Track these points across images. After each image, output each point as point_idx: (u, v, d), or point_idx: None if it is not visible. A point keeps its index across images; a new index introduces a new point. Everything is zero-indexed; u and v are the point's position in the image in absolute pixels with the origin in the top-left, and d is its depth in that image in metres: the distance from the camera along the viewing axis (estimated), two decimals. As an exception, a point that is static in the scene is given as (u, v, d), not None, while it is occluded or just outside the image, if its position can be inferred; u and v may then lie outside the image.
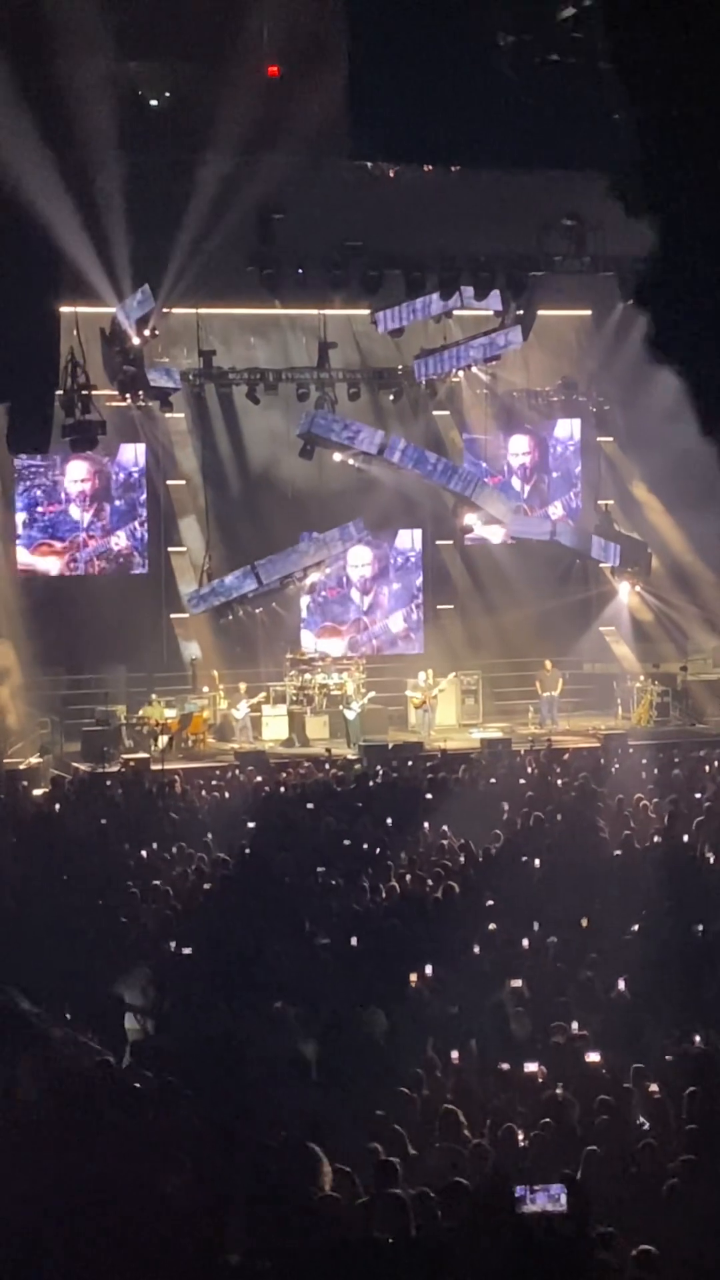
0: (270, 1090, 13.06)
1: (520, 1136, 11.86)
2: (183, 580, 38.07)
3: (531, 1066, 13.41)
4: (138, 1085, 12.97)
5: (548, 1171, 8.88)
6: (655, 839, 22.09)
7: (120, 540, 38.64)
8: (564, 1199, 8.43)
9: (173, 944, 17.14)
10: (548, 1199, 8.37)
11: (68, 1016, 15.37)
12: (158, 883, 19.85)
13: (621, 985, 15.87)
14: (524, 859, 20.94)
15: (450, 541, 40.24)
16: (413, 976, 16.01)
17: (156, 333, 34.60)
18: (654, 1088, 12.99)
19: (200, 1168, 10.53)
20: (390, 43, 25.48)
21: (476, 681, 37.85)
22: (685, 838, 22.26)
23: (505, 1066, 13.64)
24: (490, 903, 18.54)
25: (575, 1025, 14.69)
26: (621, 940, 17.40)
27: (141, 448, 38.26)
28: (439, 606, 40.32)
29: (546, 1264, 7.77)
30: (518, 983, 15.79)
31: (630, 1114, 12.54)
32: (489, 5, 23.11)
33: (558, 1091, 12.78)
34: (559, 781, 27.12)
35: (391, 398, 39.02)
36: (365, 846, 22.15)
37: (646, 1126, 12.20)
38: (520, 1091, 13.14)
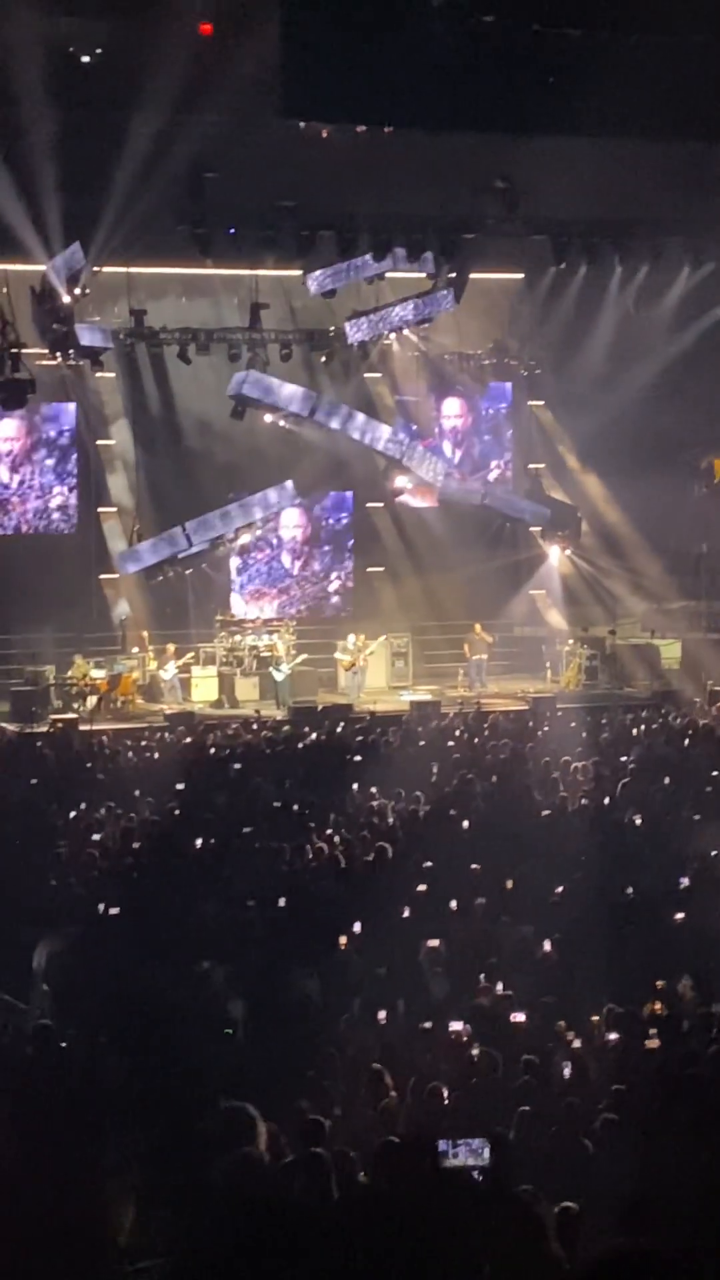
0: (197, 1050, 13.08)
1: (445, 1095, 11.95)
2: (112, 540, 37.92)
3: (456, 1025, 13.49)
4: (64, 1045, 12.97)
5: (471, 1129, 8.92)
6: (583, 801, 22.23)
7: (49, 500, 38.43)
8: (486, 1153, 8.49)
9: (100, 905, 17.12)
10: (469, 1153, 8.43)
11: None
12: (85, 844, 19.84)
13: (548, 946, 15.98)
14: (452, 820, 21.04)
15: (381, 504, 40.23)
16: (342, 939, 16.08)
17: (87, 291, 34.31)
18: (577, 1044, 13.11)
19: (127, 1128, 10.56)
20: (324, 2, 25.37)
21: (406, 644, 37.93)
22: (608, 800, 22.41)
23: (428, 1025, 13.72)
24: (424, 864, 18.62)
25: (500, 986, 14.79)
26: (548, 901, 17.51)
27: (72, 407, 38.06)
28: (369, 569, 40.34)
29: (466, 1218, 7.82)
30: (435, 943, 15.87)
31: (555, 1073, 12.65)
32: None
33: (473, 1052, 12.86)
34: (488, 744, 27.24)
35: (323, 359, 38.90)
36: (294, 808, 22.19)
37: (570, 1084, 12.32)
38: (445, 1051, 13.23)
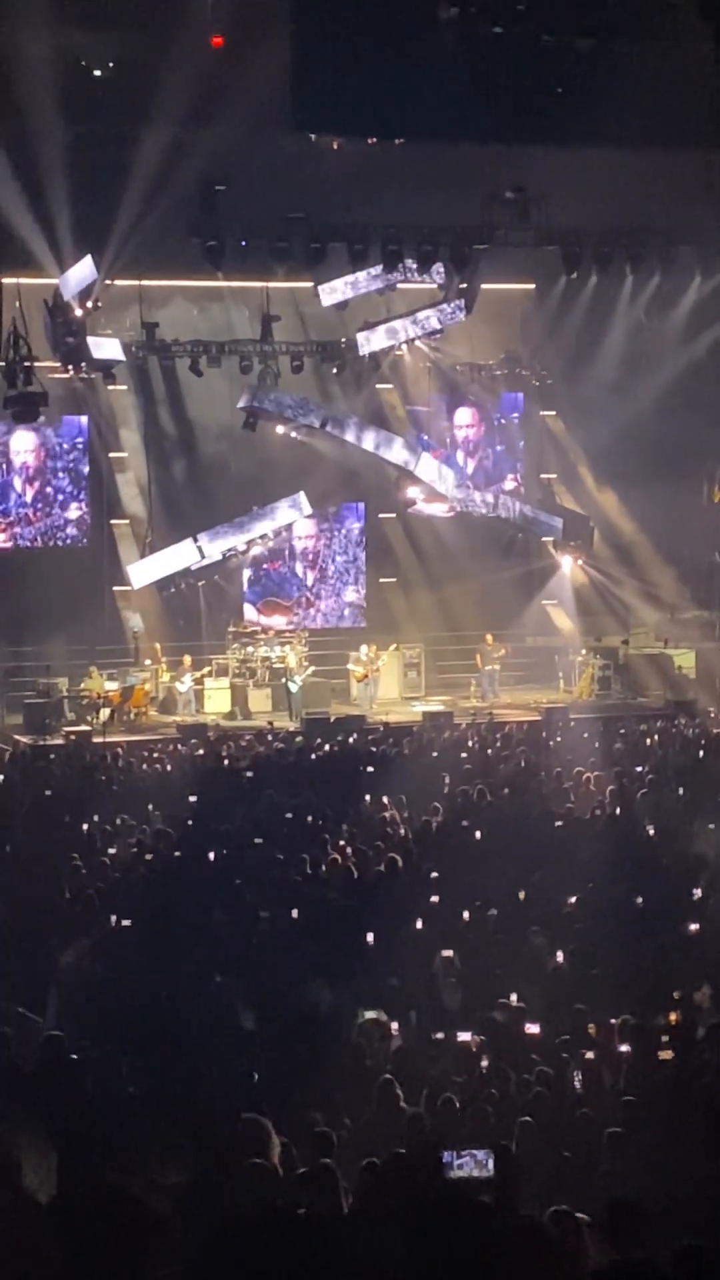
0: (211, 1061, 13.08)
1: (457, 1106, 11.93)
2: (125, 552, 37.95)
3: (465, 1036, 13.47)
4: (75, 1056, 12.97)
5: (481, 1141, 8.92)
6: (597, 812, 22.21)
7: (63, 513, 38.50)
8: (491, 1164, 8.48)
9: (114, 916, 17.12)
10: (474, 1164, 8.42)
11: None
12: (100, 855, 19.86)
13: (560, 957, 15.96)
14: (465, 831, 21.03)
15: (393, 515, 40.25)
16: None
17: (99, 304, 34.41)
18: (590, 1056, 13.09)
19: (144, 1140, 10.56)
20: (334, 15, 25.43)
21: (418, 654, 37.94)
22: (621, 810, 22.39)
23: (440, 1036, 13.71)
24: (433, 875, 18.62)
25: (514, 997, 14.76)
26: (562, 912, 17.49)
27: (84, 419, 38.13)
28: (381, 580, 40.35)
29: (470, 1230, 7.82)
30: (449, 953, 15.86)
31: (568, 1085, 12.62)
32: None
33: (483, 1064, 12.84)
34: (501, 755, 27.22)
35: (335, 370, 38.92)
36: (307, 819, 22.18)
37: (583, 1096, 12.29)
38: (457, 1062, 13.21)
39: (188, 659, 35.55)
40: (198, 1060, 12.85)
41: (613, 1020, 14.04)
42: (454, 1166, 8.45)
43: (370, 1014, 14.35)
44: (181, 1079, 12.35)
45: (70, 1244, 8.10)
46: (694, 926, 16.89)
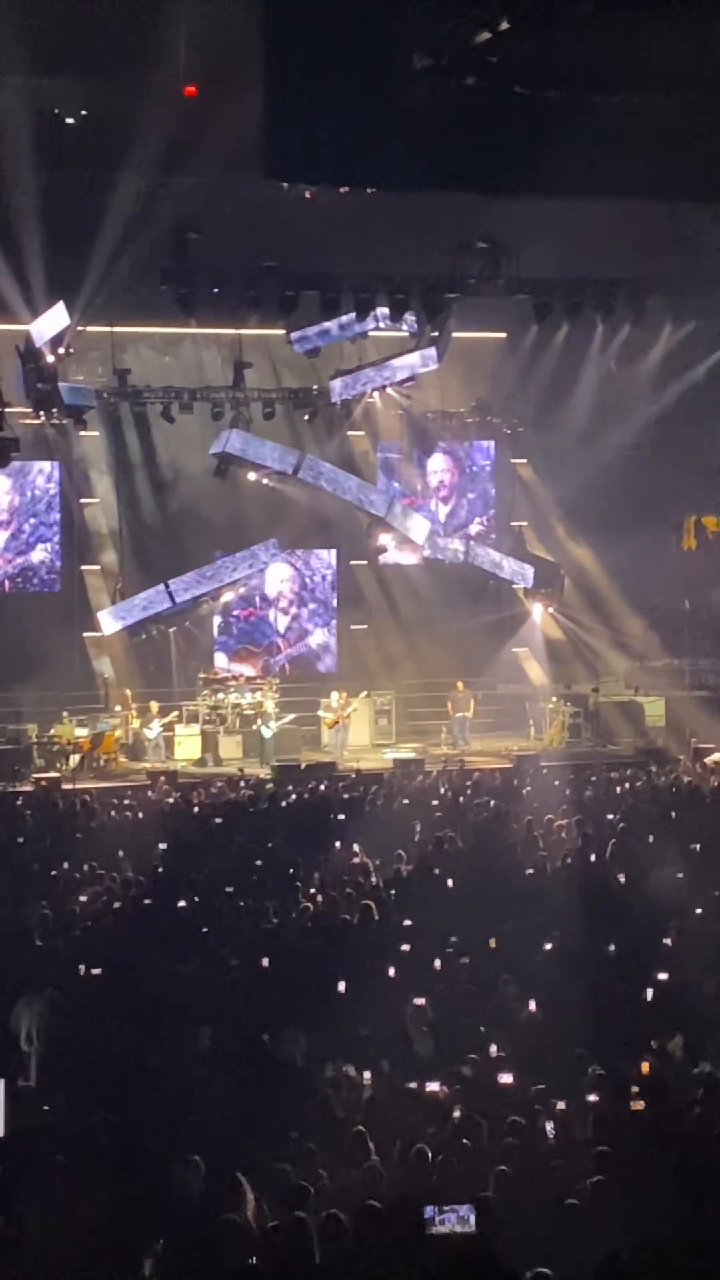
0: (181, 1113, 12.97)
1: (430, 1157, 11.84)
2: (96, 599, 37.92)
3: (433, 1086, 13.39)
4: (46, 1107, 12.86)
5: (456, 1193, 8.84)
6: (567, 860, 22.16)
7: (33, 558, 38.46)
8: (473, 1220, 8.42)
9: (81, 965, 17.00)
10: (456, 1220, 8.36)
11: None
12: (69, 903, 19.74)
13: (533, 1006, 15.88)
14: (436, 879, 20.96)
15: (365, 562, 40.31)
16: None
17: (71, 350, 34.44)
18: (561, 1105, 13.01)
19: (114, 1194, 10.46)
20: (307, 64, 25.50)
21: (390, 702, 37.93)
22: (595, 858, 22.35)
23: (413, 1086, 13.63)
24: (405, 923, 18.54)
25: (494, 1048, 14.66)
26: (533, 960, 17.42)
27: (55, 465, 38.13)
28: (353, 626, 40.36)
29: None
30: (421, 1001, 15.79)
31: (541, 1135, 12.54)
32: (405, 29, 23.15)
33: (454, 1115, 12.76)
34: (472, 802, 27.17)
35: (307, 417, 39.02)
36: (278, 867, 22.10)
37: (555, 1147, 12.21)
38: (430, 1112, 13.12)
39: (155, 705, 35.43)
40: (166, 1110, 12.75)
41: (585, 1070, 13.98)
42: (436, 1222, 8.37)
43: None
44: (149, 1130, 12.26)
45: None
46: (662, 976, 16.83)
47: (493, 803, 26.70)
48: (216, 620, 39.19)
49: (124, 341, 37.40)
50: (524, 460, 41.83)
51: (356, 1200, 10.26)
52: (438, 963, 17.27)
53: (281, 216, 33.22)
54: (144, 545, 38.29)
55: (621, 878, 21.33)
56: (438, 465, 41.81)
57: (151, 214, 31.08)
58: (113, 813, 26.95)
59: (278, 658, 39.80)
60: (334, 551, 40.47)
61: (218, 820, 25.59)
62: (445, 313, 35.74)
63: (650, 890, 20.62)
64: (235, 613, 39.56)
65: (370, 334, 37.65)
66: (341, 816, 25.81)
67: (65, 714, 34.53)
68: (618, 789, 28.99)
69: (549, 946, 17.76)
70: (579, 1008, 15.52)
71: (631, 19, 23.15)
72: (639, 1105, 13.12)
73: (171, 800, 28.27)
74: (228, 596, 38.50)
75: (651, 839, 23.83)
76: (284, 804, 27.56)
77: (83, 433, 36.92)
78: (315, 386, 38.71)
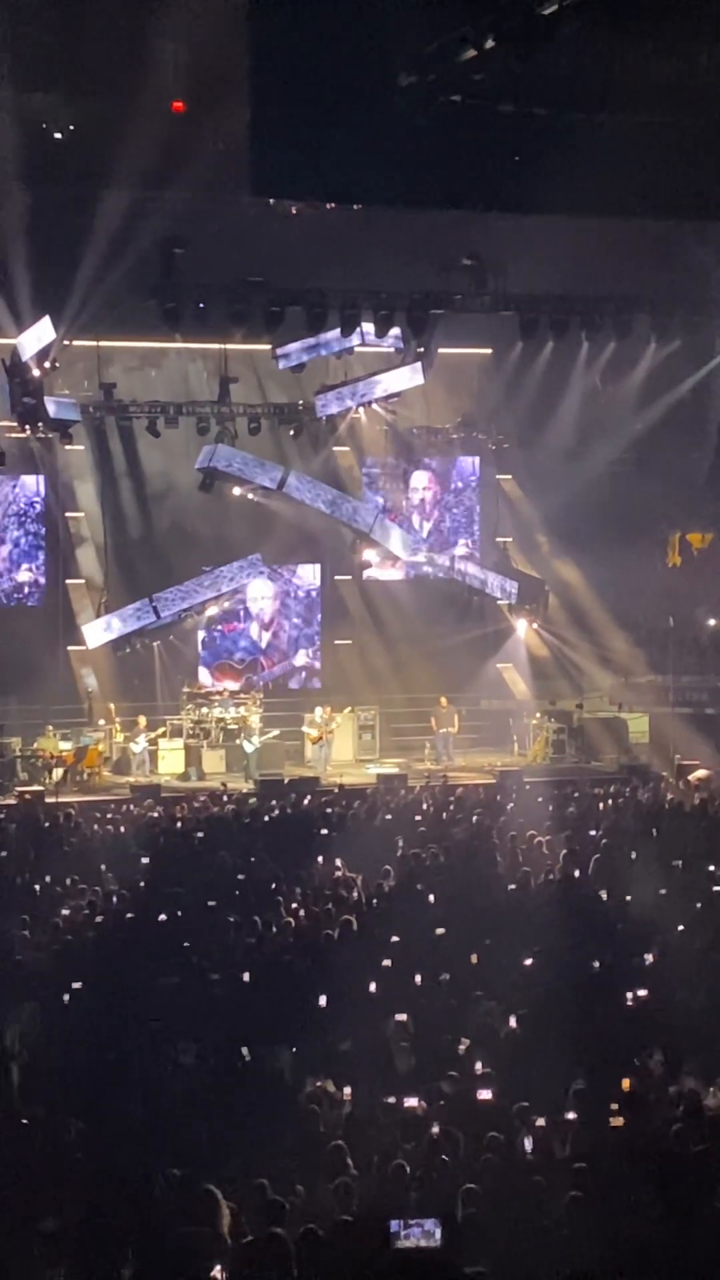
0: (162, 1126, 12.97)
1: (407, 1172, 11.84)
2: (81, 612, 37.90)
3: (411, 1101, 13.39)
4: (26, 1121, 12.86)
5: (432, 1208, 8.84)
6: (550, 876, 22.17)
7: (18, 572, 38.44)
8: (438, 1234, 8.41)
9: (63, 979, 16.98)
10: (422, 1234, 8.36)
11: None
12: (52, 917, 19.73)
13: (513, 1022, 15.89)
14: (418, 894, 20.97)
15: (349, 577, 40.33)
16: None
17: (57, 364, 34.44)
18: (541, 1122, 13.01)
19: (91, 1207, 10.45)
20: (293, 81, 25.55)
21: (373, 717, 37.92)
22: (577, 874, 22.36)
23: (391, 1100, 13.62)
24: (388, 939, 18.54)
25: (479, 1065, 14.64)
26: (514, 977, 17.43)
27: (41, 479, 38.12)
28: (337, 642, 40.36)
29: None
30: (402, 1017, 15.78)
31: (519, 1151, 12.55)
32: (391, 47, 23.21)
33: (433, 1130, 12.75)
34: (455, 817, 27.19)
35: (292, 433, 39.04)
36: (260, 881, 22.09)
37: (533, 1162, 12.22)
38: (407, 1128, 13.12)
39: (142, 719, 35.44)
40: (145, 1124, 12.75)
41: (565, 1086, 13.99)
42: (401, 1236, 8.37)
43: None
44: (129, 1143, 12.26)
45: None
46: (642, 992, 16.85)
47: (476, 818, 26.71)
48: (201, 635, 39.18)
49: (110, 356, 37.40)
50: (509, 476, 41.85)
51: (329, 1215, 10.25)
52: (418, 978, 17.27)
53: (268, 232, 33.30)
54: (129, 559, 38.26)
55: (604, 894, 21.35)
56: (421, 482, 41.84)
57: (138, 229, 31.11)
58: (96, 826, 26.94)
59: (261, 675, 39.78)
60: (318, 566, 40.47)
61: (200, 835, 25.58)
62: (431, 329, 35.77)
63: (633, 906, 20.65)
64: (219, 627, 39.55)
65: (356, 350, 37.66)
66: (324, 831, 25.81)
67: (49, 727, 34.49)
68: (601, 805, 29.00)
69: (529, 962, 17.77)
70: (560, 1024, 15.54)
71: (617, 37, 23.22)
72: (618, 1121, 13.15)
73: (154, 814, 28.25)
74: (212, 611, 38.50)
75: (634, 855, 23.87)
76: (267, 818, 27.55)
77: (68, 447, 36.90)
78: (301, 402, 38.75)
